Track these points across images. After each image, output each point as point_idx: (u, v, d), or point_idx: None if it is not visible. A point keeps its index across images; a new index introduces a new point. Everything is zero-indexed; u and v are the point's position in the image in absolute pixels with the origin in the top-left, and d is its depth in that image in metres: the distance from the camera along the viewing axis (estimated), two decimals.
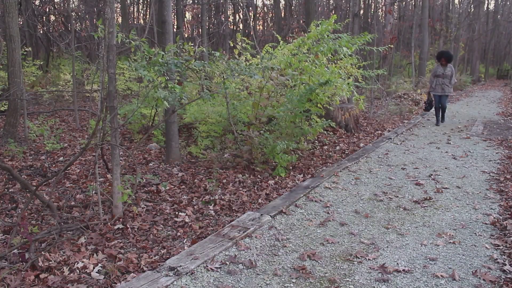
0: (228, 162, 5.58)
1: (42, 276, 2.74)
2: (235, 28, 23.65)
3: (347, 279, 2.79)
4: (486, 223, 3.74)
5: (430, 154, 6.51)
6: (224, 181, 4.94)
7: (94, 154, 5.84)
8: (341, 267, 2.95)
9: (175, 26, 13.34)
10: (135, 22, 23.53)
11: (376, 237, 3.45)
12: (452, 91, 9.29)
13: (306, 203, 4.26)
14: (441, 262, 3.02)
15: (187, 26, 26.27)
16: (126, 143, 7.08)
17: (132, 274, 2.82)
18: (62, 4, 18.81)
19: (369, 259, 3.05)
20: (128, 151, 4.96)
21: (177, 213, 3.96)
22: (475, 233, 3.54)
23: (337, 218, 3.87)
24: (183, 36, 14.75)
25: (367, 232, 3.57)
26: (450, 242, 3.35)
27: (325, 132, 7.33)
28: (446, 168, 5.68)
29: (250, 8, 21.24)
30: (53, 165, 5.56)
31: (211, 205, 4.22)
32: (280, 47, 6.66)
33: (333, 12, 24.16)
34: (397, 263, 3.00)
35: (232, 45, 6.60)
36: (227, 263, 2.98)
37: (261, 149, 5.39)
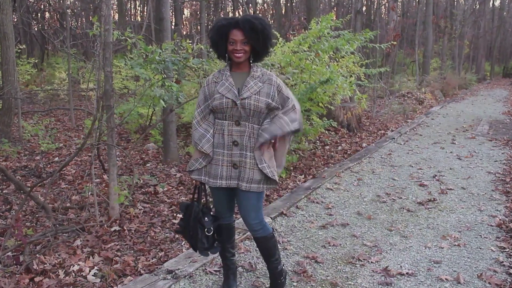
0: None
1: (37, 279, 2.71)
2: None
3: (350, 282, 2.74)
4: (491, 225, 3.69)
5: (434, 155, 6.44)
6: None
7: (90, 154, 5.77)
8: (343, 270, 2.89)
9: (173, 23, 13.27)
10: (132, 19, 23.48)
11: (379, 240, 3.39)
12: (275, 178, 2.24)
13: (307, 205, 4.20)
14: (446, 265, 2.97)
15: (186, 23, 26.21)
16: (123, 143, 7.02)
17: (129, 277, 2.78)
18: (57, 1, 18.69)
19: (372, 262, 3.00)
20: (125, 151, 4.91)
21: (175, 214, 3.91)
22: (481, 235, 3.48)
23: (339, 219, 3.81)
24: (181, 34, 14.66)
25: (369, 234, 3.51)
26: (454, 245, 3.30)
27: (326, 132, 7.24)
28: (450, 168, 5.61)
29: (250, 4, 21.14)
30: (48, 166, 5.50)
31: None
32: (279, 44, 6.57)
33: (335, 9, 24.08)
34: (401, 266, 2.95)
35: None
36: None
37: None
